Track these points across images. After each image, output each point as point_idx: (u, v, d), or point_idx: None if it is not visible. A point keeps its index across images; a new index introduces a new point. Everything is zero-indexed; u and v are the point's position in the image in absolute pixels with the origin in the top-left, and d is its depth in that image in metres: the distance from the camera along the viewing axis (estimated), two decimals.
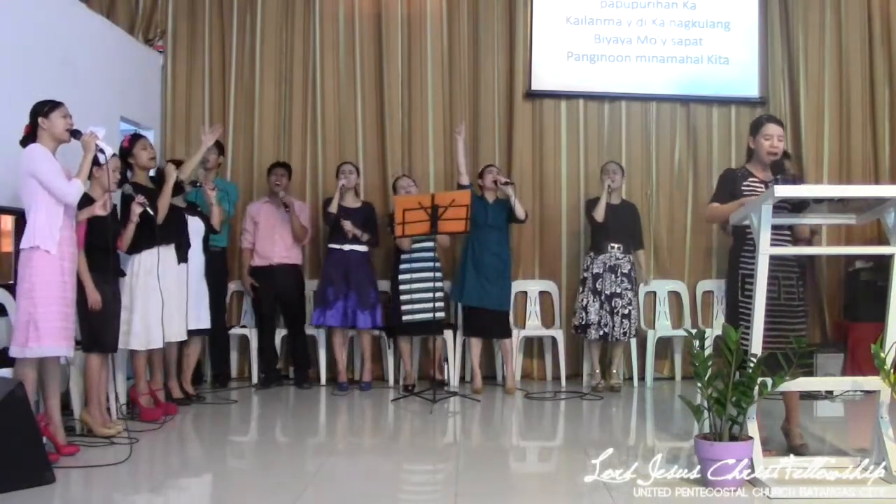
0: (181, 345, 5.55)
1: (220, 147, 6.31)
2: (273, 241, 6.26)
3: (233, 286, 6.51)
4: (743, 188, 4.21)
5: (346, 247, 6.14)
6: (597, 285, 6.13)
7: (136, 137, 5.31)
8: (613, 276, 6.13)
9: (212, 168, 6.18)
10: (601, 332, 6.12)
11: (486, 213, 6.13)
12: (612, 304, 6.10)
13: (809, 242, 4.82)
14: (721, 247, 6.83)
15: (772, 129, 4.22)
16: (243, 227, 6.37)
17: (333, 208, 6.06)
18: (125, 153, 5.15)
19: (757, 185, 4.22)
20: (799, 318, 4.19)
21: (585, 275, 6.22)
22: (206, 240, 5.75)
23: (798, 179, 4.34)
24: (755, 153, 4.29)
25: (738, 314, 4.13)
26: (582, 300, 6.20)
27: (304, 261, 6.54)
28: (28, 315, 4.00)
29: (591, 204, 6.26)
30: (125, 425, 4.62)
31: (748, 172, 4.29)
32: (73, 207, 4.19)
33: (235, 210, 6.45)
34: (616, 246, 6.17)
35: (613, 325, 6.10)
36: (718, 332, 3.98)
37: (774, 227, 4.03)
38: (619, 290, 6.12)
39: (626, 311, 6.12)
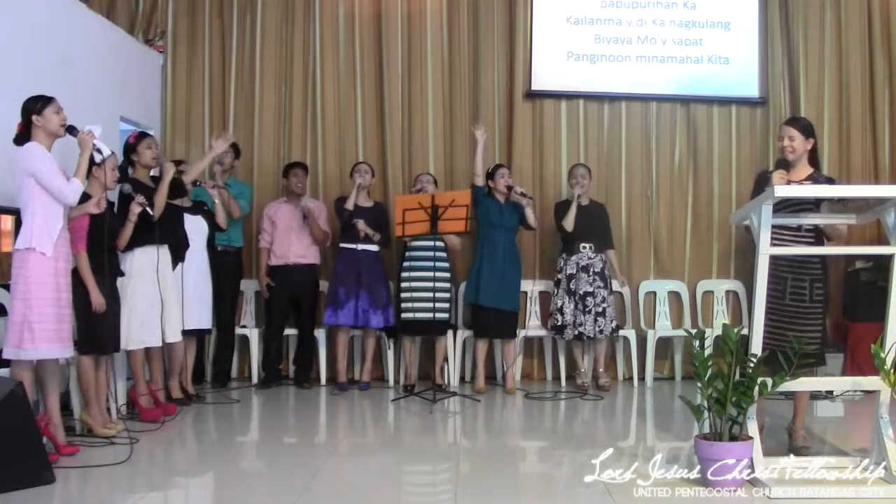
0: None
1: (236, 150, 6.32)
2: (290, 241, 6.24)
3: (241, 285, 6.45)
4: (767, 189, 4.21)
5: (359, 246, 6.14)
6: (570, 286, 6.16)
7: (142, 135, 5.30)
8: (586, 275, 6.16)
9: (226, 170, 6.18)
10: (576, 332, 6.13)
11: (499, 213, 6.13)
12: (585, 303, 6.12)
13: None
14: (721, 247, 6.84)
15: (782, 130, 4.27)
16: (261, 227, 6.37)
17: (350, 206, 6.06)
18: (129, 149, 5.15)
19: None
20: (810, 320, 4.19)
21: (559, 276, 6.25)
22: (211, 239, 5.75)
23: (832, 180, 4.40)
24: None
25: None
26: (557, 302, 6.23)
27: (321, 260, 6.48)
28: (23, 317, 3.98)
29: (561, 207, 6.28)
30: (124, 425, 4.62)
31: None
32: (70, 207, 4.17)
33: (251, 208, 6.43)
34: (587, 246, 6.20)
35: (586, 324, 6.11)
36: (718, 332, 3.98)
37: (795, 229, 4.05)
38: (591, 289, 6.13)
39: (600, 309, 6.13)
